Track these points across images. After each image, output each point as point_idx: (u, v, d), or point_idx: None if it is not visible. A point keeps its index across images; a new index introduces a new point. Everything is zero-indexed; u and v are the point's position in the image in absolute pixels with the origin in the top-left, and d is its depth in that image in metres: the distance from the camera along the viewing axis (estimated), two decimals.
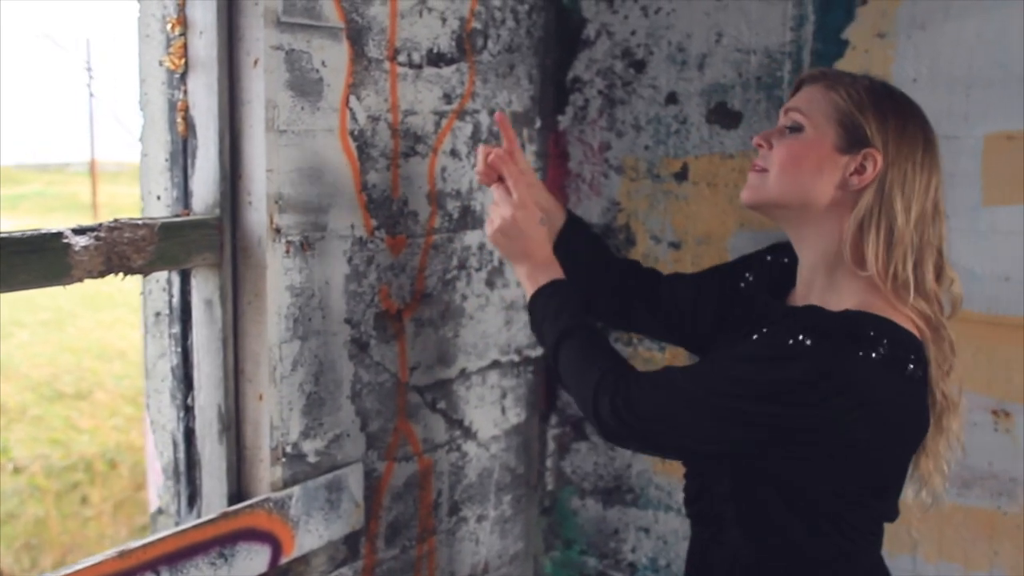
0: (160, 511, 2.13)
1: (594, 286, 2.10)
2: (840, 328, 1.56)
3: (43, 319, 9.97)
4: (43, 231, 1.62)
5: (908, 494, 1.78)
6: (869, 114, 1.65)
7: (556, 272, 1.93)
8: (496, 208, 1.95)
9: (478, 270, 2.50)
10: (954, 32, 2.29)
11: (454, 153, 2.37)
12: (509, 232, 1.92)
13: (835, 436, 1.57)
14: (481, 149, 2.00)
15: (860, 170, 1.64)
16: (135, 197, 2.09)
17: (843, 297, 1.65)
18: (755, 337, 1.64)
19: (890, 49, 2.34)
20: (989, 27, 2.26)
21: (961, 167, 2.28)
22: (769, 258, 1.96)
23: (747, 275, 1.97)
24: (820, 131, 1.68)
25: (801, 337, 1.54)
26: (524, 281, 1.94)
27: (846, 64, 2.37)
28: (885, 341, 1.54)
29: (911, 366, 1.57)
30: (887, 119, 1.65)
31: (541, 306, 1.89)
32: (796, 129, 1.70)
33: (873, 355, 1.53)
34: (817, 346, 1.54)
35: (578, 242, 2.12)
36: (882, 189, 1.63)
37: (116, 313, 10.39)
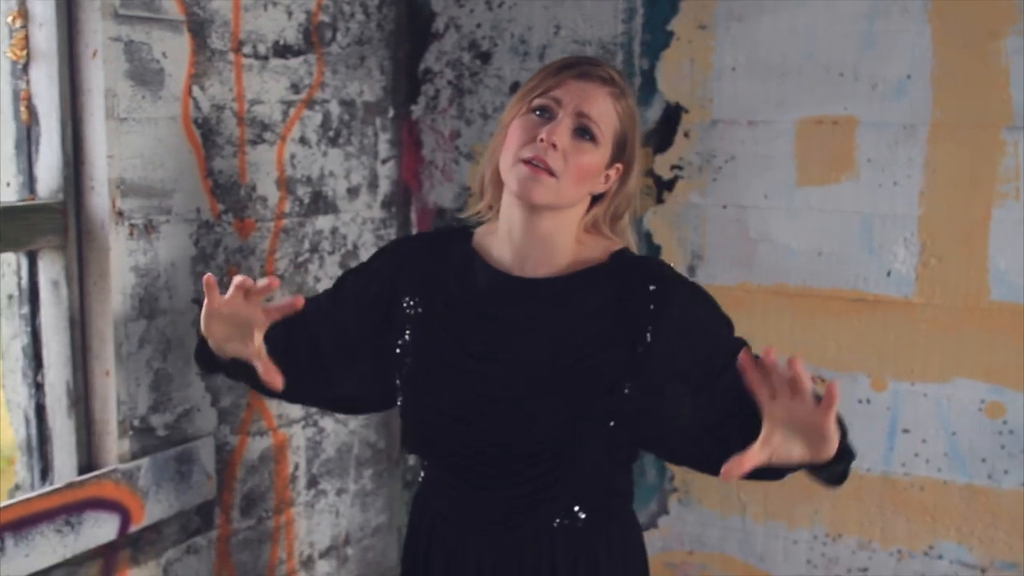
0: (18, 487, 2.21)
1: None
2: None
3: None
4: None
5: None
6: (634, 133, 1.79)
7: None
8: None
9: (331, 253, 2.61)
10: (769, 24, 2.46)
11: (303, 141, 2.48)
12: None
13: None
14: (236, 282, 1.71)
15: (606, 179, 1.79)
16: None
17: (586, 248, 1.82)
18: (684, 306, 1.76)
19: (711, 40, 2.51)
20: (800, 20, 2.43)
21: (777, 150, 2.45)
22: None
23: (407, 300, 1.87)
24: (606, 146, 1.75)
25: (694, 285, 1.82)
26: None
27: (672, 53, 2.54)
28: None
29: None
30: (636, 132, 1.81)
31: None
32: (588, 137, 1.72)
33: None
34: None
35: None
36: (624, 184, 1.82)
37: None
